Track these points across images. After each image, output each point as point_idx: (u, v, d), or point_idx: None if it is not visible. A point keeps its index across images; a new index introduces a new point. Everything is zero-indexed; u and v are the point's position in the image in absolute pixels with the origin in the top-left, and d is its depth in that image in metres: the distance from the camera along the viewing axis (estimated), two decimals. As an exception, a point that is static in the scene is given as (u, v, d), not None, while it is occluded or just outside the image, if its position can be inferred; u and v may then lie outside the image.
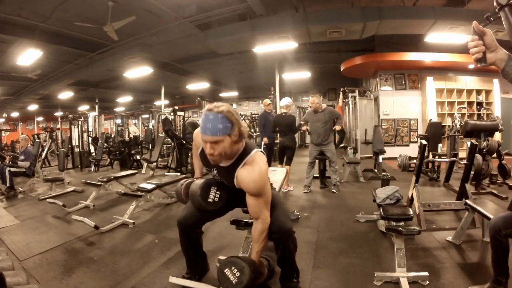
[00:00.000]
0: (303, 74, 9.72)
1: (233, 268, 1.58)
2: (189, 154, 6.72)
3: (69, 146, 8.47)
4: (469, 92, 7.76)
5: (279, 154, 4.77)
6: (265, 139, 5.04)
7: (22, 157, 5.19)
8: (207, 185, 1.74)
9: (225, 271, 1.59)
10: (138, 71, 8.26)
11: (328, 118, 4.45)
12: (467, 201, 2.51)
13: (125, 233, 3.02)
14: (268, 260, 1.89)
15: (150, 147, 8.99)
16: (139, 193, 3.56)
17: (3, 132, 11.84)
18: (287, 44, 6.33)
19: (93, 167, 7.50)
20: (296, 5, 5.74)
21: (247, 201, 1.65)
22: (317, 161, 4.67)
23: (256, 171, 1.58)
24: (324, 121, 4.41)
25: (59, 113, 15.16)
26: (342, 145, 7.88)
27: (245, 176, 1.59)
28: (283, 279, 1.84)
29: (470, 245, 2.46)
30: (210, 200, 1.73)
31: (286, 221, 1.75)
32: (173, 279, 1.94)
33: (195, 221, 1.87)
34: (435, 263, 2.18)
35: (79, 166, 7.80)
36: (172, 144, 7.00)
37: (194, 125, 7.28)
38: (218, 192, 1.75)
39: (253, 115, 12.50)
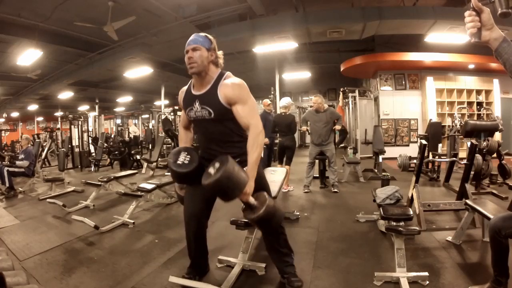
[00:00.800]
0: (303, 74, 9.72)
1: (215, 163, 1.54)
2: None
3: (69, 146, 8.47)
4: (469, 92, 7.76)
5: (279, 154, 4.76)
6: (266, 140, 5.03)
7: (21, 156, 5.19)
8: (177, 151, 1.83)
9: (209, 170, 1.54)
10: (138, 71, 8.27)
11: (329, 119, 4.46)
12: (467, 201, 2.51)
13: (125, 233, 3.02)
14: (273, 199, 1.66)
15: (150, 147, 8.98)
16: (139, 193, 3.56)
17: (3, 132, 11.85)
18: (287, 44, 6.33)
19: (93, 167, 7.50)
20: (296, 5, 5.74)
21: (236, 113, 1.67)
22: (317, 161, 4.67)
23: (238, 80, 1.72)
24: (326, 122, 4.42)
25: (59, 113, 15.16)
26: (342, 145, 7.88)
27: (227, 83, 1.69)
28: (279, 267, 1.89)
29: (470, 245, 2.46)
30: (179, 162, 1.76)
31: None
32: (173, 279, 1.94)
33: (200, 207, 1.82)
34: (435, 263, 2.18)
35: (79, 166, 7.80)
36: (172, 144, 7.00)
37: None
38: (189, 156, 1.79)
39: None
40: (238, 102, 1.66)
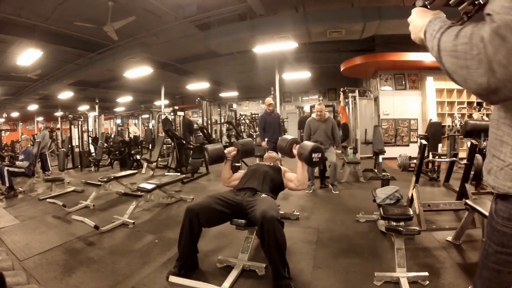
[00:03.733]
0: (303, 74, 9.72)
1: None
2: (189, 154, 6.71)
3: (69, 146, 8.47)
4: (469, 92, 7.73)
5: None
6: (264, 143, 5.01)
7: (21, 157, 5.19)
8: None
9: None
10: (138, 71, 8.26)
11: (328, 128, 4.58)
12: (467, 201, 2.50)
13: (125, 233, 3.02)
14: None
15: (150, 147, 8.98)
16: (139, 193, 3.56)
17: (3, 132, 11.84)
18: (287, 44, 6.33)
19: (93, 167, 7.50)
20: (296, 5, 5.74)
21: None
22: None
23: None
24: (325, 131, 4.55)
25: (59, 113, 15.16)
26: (343, 144, 7.86)
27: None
28: (275, 275, 1.88)
29: (470, 245, 2.46)
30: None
31: (270, 209, 1.93)
32: (173, 279, 1.94)
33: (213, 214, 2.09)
34: (435, 263, 2.19)
35: (79, 166, 7.80)
36: (172, 144, 6.99)
37: (189, 124, 7.29)
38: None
39: (253, 115, 12.52)
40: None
